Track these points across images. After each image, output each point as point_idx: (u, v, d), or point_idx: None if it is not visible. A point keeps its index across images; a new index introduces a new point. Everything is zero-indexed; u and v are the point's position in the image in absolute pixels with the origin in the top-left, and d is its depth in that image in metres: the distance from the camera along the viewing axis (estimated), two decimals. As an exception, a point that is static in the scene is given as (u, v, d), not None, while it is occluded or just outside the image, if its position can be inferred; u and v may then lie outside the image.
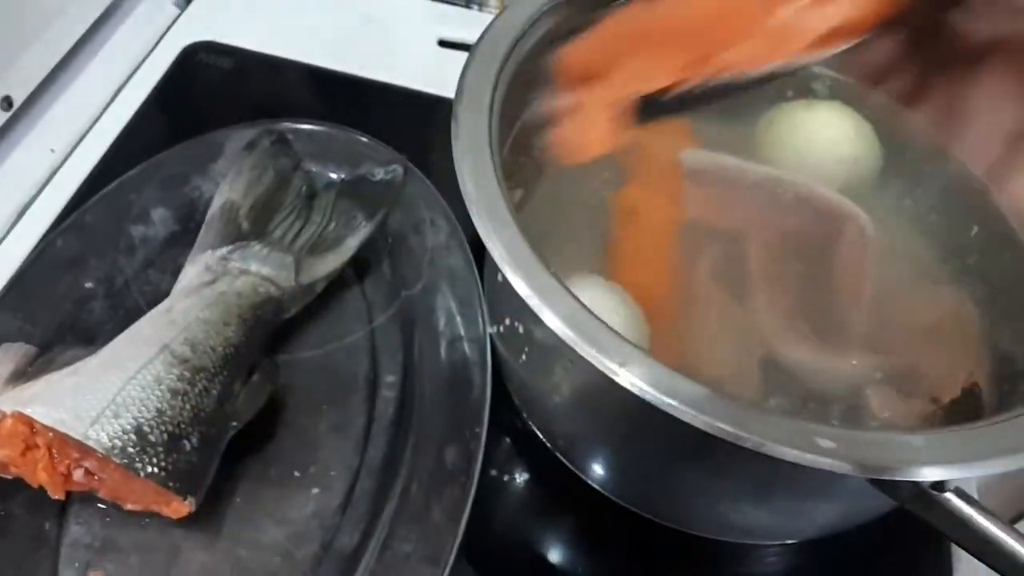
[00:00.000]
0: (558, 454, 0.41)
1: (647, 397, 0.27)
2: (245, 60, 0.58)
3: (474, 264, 0.44)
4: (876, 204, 0.42)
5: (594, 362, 0.28)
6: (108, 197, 0.45)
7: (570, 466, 0.41)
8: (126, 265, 0.43)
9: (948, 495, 0.28)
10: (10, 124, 0.52)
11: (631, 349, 0.28)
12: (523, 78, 0.38)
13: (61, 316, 0.41)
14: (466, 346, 0.41)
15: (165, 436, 0.34)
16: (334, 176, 0.47)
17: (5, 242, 0.48)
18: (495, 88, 0.36)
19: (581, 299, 0.30)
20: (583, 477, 0.41)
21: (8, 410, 0.34)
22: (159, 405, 0.34)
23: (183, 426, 0.35)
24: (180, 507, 0.34)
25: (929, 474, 0.26)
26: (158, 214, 0.45)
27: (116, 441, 0.33)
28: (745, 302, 0.40)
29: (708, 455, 0.32)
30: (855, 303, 0.40)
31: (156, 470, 0.33)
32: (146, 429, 0.34)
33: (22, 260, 0.46)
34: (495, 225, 0.31)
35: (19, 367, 0.37)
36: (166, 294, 0.44)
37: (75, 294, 0.42)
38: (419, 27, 0.61)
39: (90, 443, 0.33)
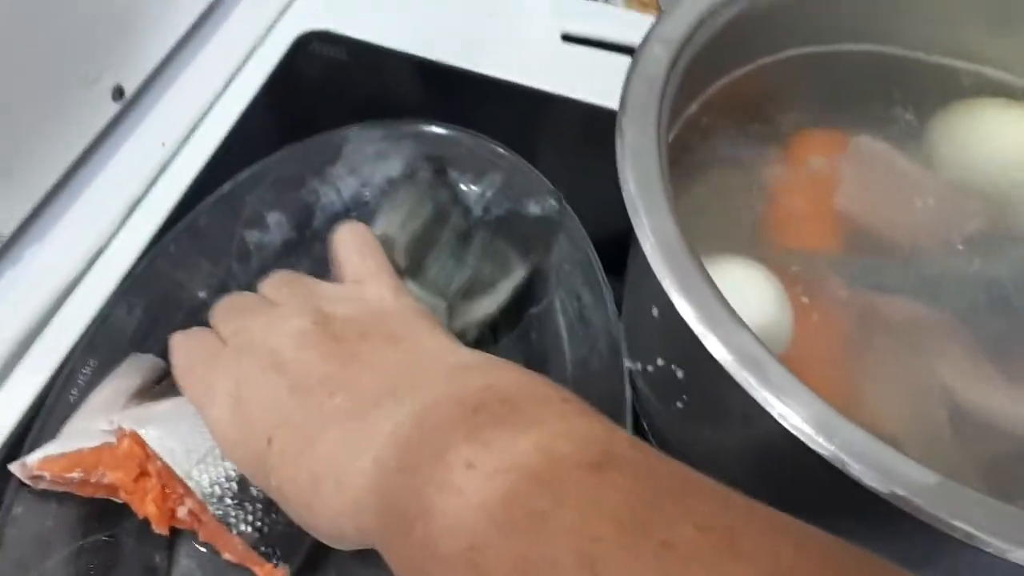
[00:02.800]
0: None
1: (865, 480, 0.23)
2: (359, 51, 0.55)
3: (606, 283, 0.40)
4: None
5: (797, 433, 0.24)
6: (222, 199, 0.42)
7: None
8: (240, 273, 0.41)
9: None
10: (121, 115, 0.49)
11: (839, 418, 0.24)
12: (687, 83, 0.34)
13: (174, 328, 0.38)
14: (598, 379, 0.37)
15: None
16: (465, 188, 0.43)
17: (115, 240, 0.46)
18: (662, 96, 0.32)
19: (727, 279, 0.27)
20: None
21: (128, 428, 0.32)
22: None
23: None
24: (273, 571, 0.31)
25: None
26: (273, 218, 0.42)
27: (216, 488, 0.30)
28: (919, 338, 0.35)
29: (904, 539, 0.27)
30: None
31: (250, 529, 0.30)
32: (248, 482, 0.31)
33: (132, 262, 0.44)
34: (674, 264, 0.27)
35: (146, 382, 0.35)
36: (280, 305, 0.42)
37: (189, 303, 0.39)
38: (542, 21, 0.57)
39: (191, 483, 0.30)
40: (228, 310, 0.34)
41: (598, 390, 0.37)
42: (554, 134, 0.53)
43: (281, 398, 0.28)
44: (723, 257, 0.36)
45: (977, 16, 0.41)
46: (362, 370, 0.29)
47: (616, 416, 0.35)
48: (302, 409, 0.28)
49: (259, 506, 0.31)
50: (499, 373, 0.28)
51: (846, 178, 0.40)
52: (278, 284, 0.35)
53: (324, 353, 0.29)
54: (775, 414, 0.24)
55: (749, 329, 0.26)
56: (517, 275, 0.40)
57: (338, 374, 0.29)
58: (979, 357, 0.34)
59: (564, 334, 0.40)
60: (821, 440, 0.24)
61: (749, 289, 0.34)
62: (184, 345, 0.34)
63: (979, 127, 0.40)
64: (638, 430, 0.37)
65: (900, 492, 0.23)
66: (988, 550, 0.22)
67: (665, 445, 0.38)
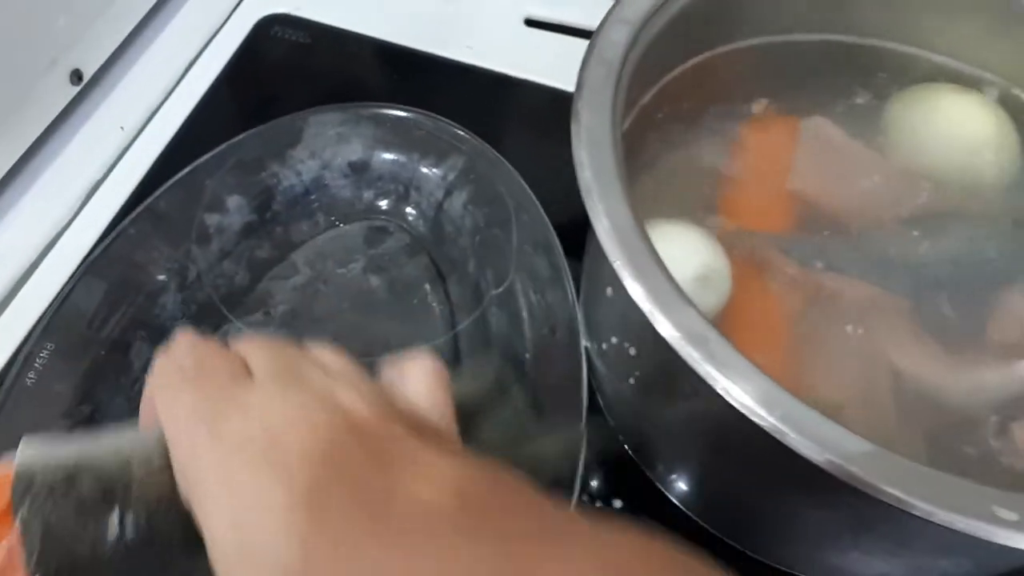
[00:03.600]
0: (653, 479, 0.38)
1: (803, 450, 0.24)
2: (321, 35, 0.55)
3: (565, 265, 0.40)
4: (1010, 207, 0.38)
5: (740, 407, 0.25)
6: (182, 182, 0.42)
7: (665, 491, 0.38)
8: (200, 256, 0.41)
9: None
10: (79, 99, 0.49)
11: (781, 392, 0.25)
12: (642, 70, 0.35)
13: (133, 311, 0.38)
14: (558, 358, 0.38)
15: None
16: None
17: (74, 224, 0.46)
18: (618, 82, 0.32)
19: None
20: (680, 505, 0.37)
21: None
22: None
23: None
24: None
25: None
26: (234, 202, 0.42)
27: None
28: (865, 314, 0.36)
29: (845, 506, 0.29)
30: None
31: None
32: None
33: (91, 245, 0.44)
34: (626, 246, 0.28)
35: None
36: (240, 288, 0.42)
37: (148, 286, 0.39)
38: (505, 5, 0.58)
39: None
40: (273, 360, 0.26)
41: (557, 368, 0.37)
42: (517, 118, 0.54)
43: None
44: (665, 221, 0.36)
45: (929, 5, 0.42)
46: None
47: (573, 392, 0.36)
48: None
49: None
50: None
51: (798, 160, 0.40)
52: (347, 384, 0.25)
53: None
54: (719, 388, 0.25)
55: (696, 308, 0.27)
56: None
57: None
58: (923, 333, 0.36)
59: (524, 315, 0.40)
60: (762, 412, 0.24)
61: (686, 243, 0.35)
62: (180, 398, 0.25)
63: (930, 112, 0.41)
64: (593, 406, 0.38)
65: (835, 460, 0.24)
66: (916, 513, 0.23)
67: (619, 419, 0.39)
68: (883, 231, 0.38)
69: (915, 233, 0.38)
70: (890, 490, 0.23)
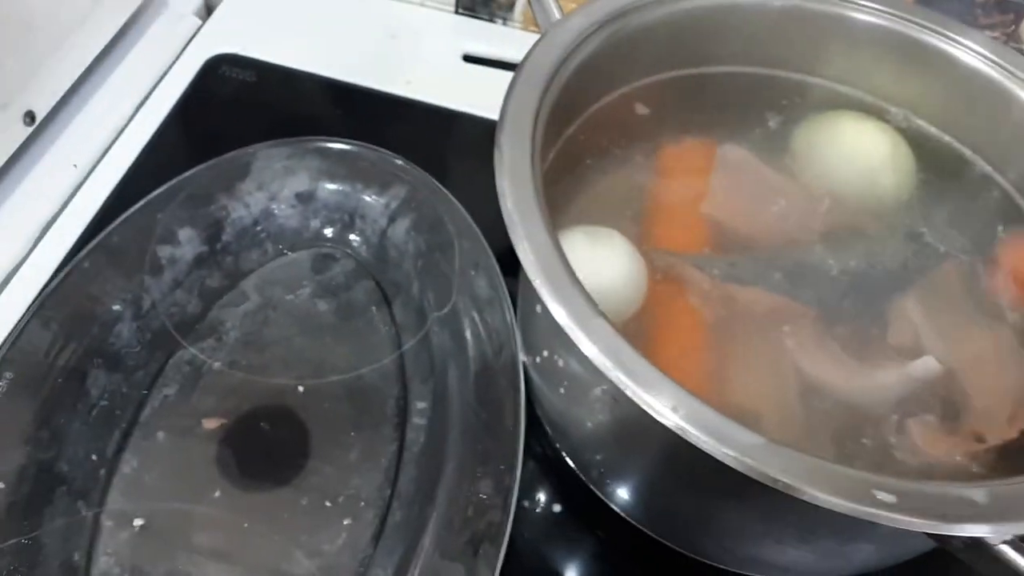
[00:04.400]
0: (590, 484, 0.41)
1: (702, 445, 0.27)
2: (268, 73, 0.58)
3: (504, 286, 0.43)
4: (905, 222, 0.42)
5: (647, 409, 0.27)
6: (134, 216, 0.44)
7: (602, 496, 0.40)
8: (153, 286, 0.43)
9: (1002, 546, 0.27)
10: (32, 139, 0.51)
11: (684, 394, 0.28)
12: (565, 103, 0.38)
13: (88, 340, 0.40)
14: (498, 374, 0.40)
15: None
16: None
17: (29, 260, 0.47)
18: (537, 115, 0.35)
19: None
20: (616, 509, 0.40)
21: None
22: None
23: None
24: None
25: (992, 531, 0.26)
26: (185, 234, 0.44)
27: None
28: (774, 324, 0.39)
29: (753, 498, 0.31)
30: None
31: None
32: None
33: (45, 280, 0.46)
34: (543, 266, 0.30)
35: None
36: (192, 316, 0.44)
37: (103, 317, 0.41)
38: (443, 41, 0.61)
39: None
40: None
41: (497, 382, 0.40)
42: (456, 148, 0.56)
43: None
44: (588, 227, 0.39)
45: (830, 40, 0.46)
46: None
47: (513, 405, 0.39)
48: None
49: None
50: None
51: (714, 185, 0.44)
52: None
53: None
54: (629, 392, 0.28)
55: (614, 326, 0.29)
56: None
57: None
58: (828, 340, 0.39)
59: (467, 333, 0.43)
60: (667, 413, 0.27)
61: (607, 247, 0.38)
62: None
63: (834, 136, 0.45)
64: (533, 417, 0.41)
65: (731, 453, 0.26)
66: (805, 498, 0.26)
67: (556, 428, 0.41)
68: (791, 247, 0.42)
69: (819, 248, 0.42)
70: (780, 478, 0.26)
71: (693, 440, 0.27)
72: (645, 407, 0.27)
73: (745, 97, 0.47)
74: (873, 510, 0.26)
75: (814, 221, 0.43)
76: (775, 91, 0.47)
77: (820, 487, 0.26)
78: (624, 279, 0.38)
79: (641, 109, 0.45)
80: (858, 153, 0.44)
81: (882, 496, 0.27)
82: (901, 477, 0.27)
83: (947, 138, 0.45)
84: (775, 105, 0.46)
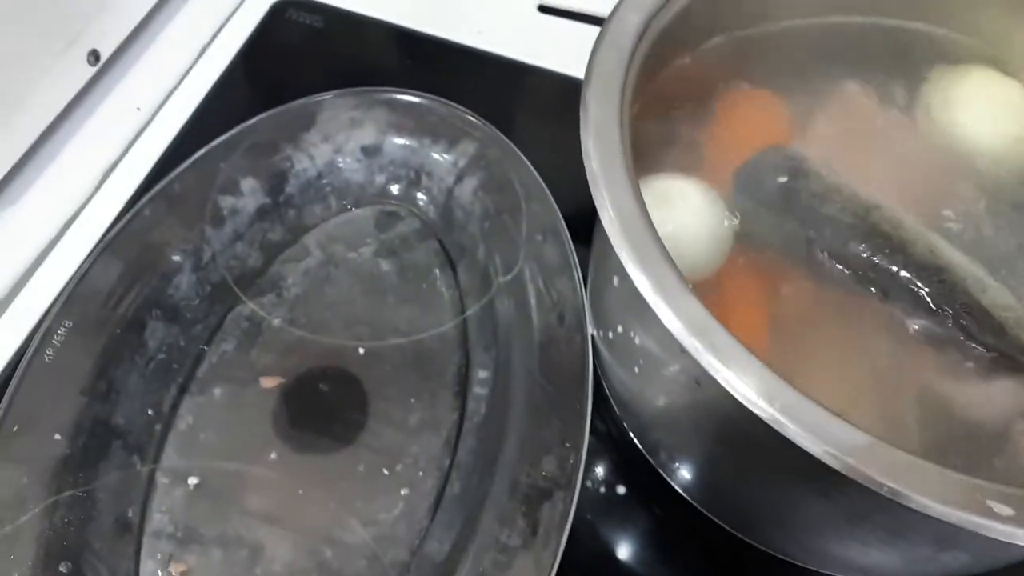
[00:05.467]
0: (657, 467, 0.39)
1: (799, 441, 0.24)
2: (335, 19, 0.56)
3: (574, 255, 0.41)
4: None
5: (741, 398, 0.25)
6: (197, 164, 0.43)
7: (669, 480, 0.38)
8: (214, 237, 0.42)
9: None
10: (96, 80, 0.50)
11: (781, 383, 0.25)
12: (656, 55, 0.35)
13: (148, 290, 0.39)
14: (565, 347, 0.38)
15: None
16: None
17: (92, 203, 0.46)
18: (627, 72, 0.33)
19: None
20: (683, 493, 0.38)
21: None
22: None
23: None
24: None
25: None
26: (247, 184, 0.43)
27: None
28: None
29: (845, 498, 0.29)
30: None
31: None
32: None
33: (108, 225, 0.45)
34: (629, 236, 0.28)
35: None
36: (253, 270, 0.42)
37: (163, 267, 0.40)
38: (518, -9, 0.58)
39: None
40: None
41: (563, 355, 0.38)
42: (529, 105, 0.54)
43: None
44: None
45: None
46: None
47: (580, 381, 0.37)
48: None
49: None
50: None
51: (819, 122, 0.40)
52: None
53: None
54: (720, 379, 0.25)
55: (699, 300, 0.27)
56: None
57: None
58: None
59: (532, 302, 0.41)
60: (762, 403, 0.25)
61: (688, 198, 0.35)
62: None
63: (971, 93, 0.40)
64: (599, 393, 0.39)
65: (832, 451, 0.24)
66: (911, 506, 0.24)
67: (624, 407, 0.39)
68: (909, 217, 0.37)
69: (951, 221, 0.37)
70: (886, 482, 0.24)
71: (789, 434, 0.25)
72: (739, 396, 0.25)
73: (855, 51, 0.42)
74: (988, 522, 0.24)
75: (943, 188, 0.38)
76: (889, 43, 0.42)
77: (930, 495, 0.24)
78: (707, 239, 0.35)
79: (739, 61, 0.41)
80: (1000, 115, 0.39)
81: (998, 508, 0.24)
82: (1017, 486, 0.25)
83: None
84: (892, 59, 0.41)
